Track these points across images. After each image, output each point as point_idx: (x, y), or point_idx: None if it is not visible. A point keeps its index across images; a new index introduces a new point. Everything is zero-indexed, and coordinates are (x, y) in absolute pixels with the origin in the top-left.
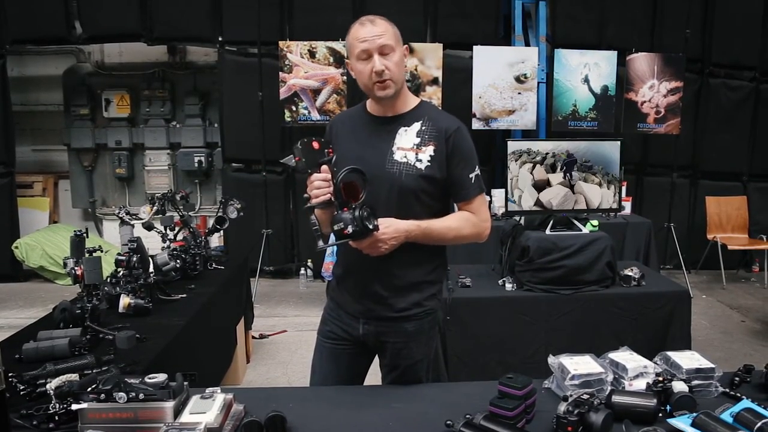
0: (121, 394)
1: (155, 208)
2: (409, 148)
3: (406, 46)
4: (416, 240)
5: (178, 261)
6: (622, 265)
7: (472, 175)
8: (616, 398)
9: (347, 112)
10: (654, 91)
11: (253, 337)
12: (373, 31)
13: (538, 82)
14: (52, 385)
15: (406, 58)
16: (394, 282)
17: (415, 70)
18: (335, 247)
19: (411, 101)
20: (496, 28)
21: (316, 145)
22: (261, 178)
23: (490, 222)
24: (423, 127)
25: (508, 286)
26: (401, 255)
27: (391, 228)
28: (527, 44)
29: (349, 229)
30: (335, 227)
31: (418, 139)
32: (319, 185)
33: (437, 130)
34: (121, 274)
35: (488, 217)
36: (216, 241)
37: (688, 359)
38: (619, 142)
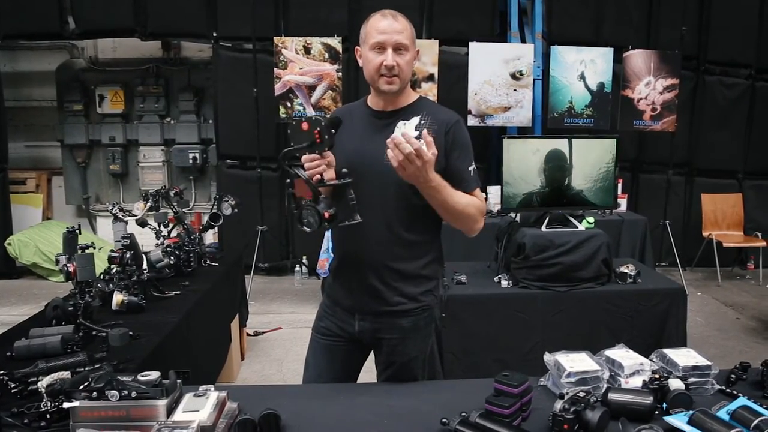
0: (114, 392)
1: (149, 204)
2: None
3: (417, 49)
4: (436, 189)
5: (171, 258)
6: (617, 262)
7: (471, 168)
8: (612, 396)
9: (347, 106)
10: (650, 89)
11: (248, 334)
12: (393, 26)
13: (534, 79)
14: (44, 382)
15: (416, 60)
16: (389, 275)
17: None
18: (330, 244)
19: (411, 96)
20: (491, 25)
21: (305, 126)
22: (256, 174)
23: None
24: (422, 121)
25: (504, 284)
26: (396, 248)
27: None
28: (523, 41)
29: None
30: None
31: (417, 133)
32: (310, 166)
33: (436, 124)
34: (114, 270)
35: (484, 212)
36: (210, 237)
37: (684, 356)
38: (615, 140)
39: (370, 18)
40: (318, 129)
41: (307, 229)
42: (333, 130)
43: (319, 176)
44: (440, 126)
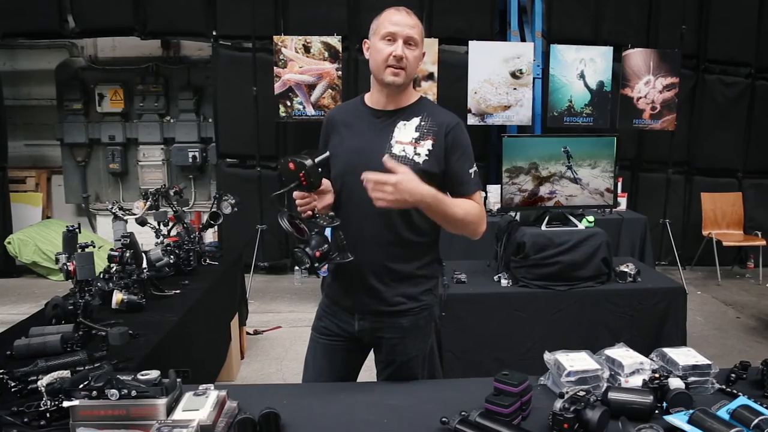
0: (113, 391)
1: (149, 203)
2: (408, 142)
3: (424, 51)
4: (432, 205)
5: (171, 257)
6: (617, 261)
7: (471, 171)
8: (612, 395)
9: (344, 105)
10: (650, 87)
11: (248, 333)
12: (406, 20)
13: (534, 78)
14: (44, 381)
15: (421, 61)
16: (389, 275)
17: None
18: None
19: (412, 96)
20: (491, 24)
21: (291, 166)
22: (255, 173)
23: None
24: (422, 122)
25: (504, 282)
26: (396, 248)
27: (411, 184)
28: (523, 40)
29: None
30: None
31: (417, 134)
32: (300, 204)
33: (437, 125)
34: (114, 269)
35: (485, 215)
36: (210, 236)
37: (684, 356)
38: (614, 138)
39: (383, 12)
40: (303, 172)
41: (300, 268)
42: (320, 169)
43: (310, 212)
44: (440, 128)
